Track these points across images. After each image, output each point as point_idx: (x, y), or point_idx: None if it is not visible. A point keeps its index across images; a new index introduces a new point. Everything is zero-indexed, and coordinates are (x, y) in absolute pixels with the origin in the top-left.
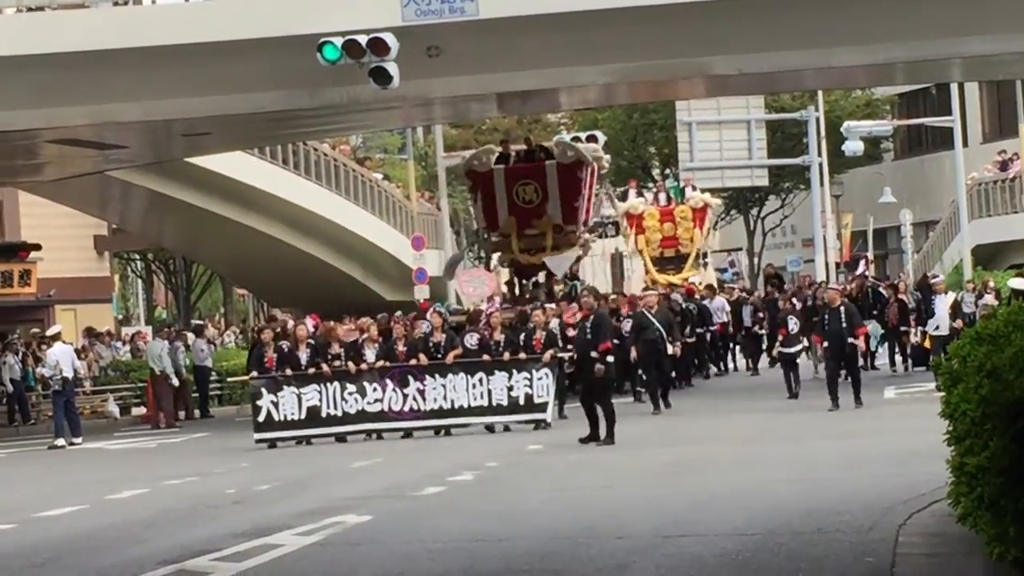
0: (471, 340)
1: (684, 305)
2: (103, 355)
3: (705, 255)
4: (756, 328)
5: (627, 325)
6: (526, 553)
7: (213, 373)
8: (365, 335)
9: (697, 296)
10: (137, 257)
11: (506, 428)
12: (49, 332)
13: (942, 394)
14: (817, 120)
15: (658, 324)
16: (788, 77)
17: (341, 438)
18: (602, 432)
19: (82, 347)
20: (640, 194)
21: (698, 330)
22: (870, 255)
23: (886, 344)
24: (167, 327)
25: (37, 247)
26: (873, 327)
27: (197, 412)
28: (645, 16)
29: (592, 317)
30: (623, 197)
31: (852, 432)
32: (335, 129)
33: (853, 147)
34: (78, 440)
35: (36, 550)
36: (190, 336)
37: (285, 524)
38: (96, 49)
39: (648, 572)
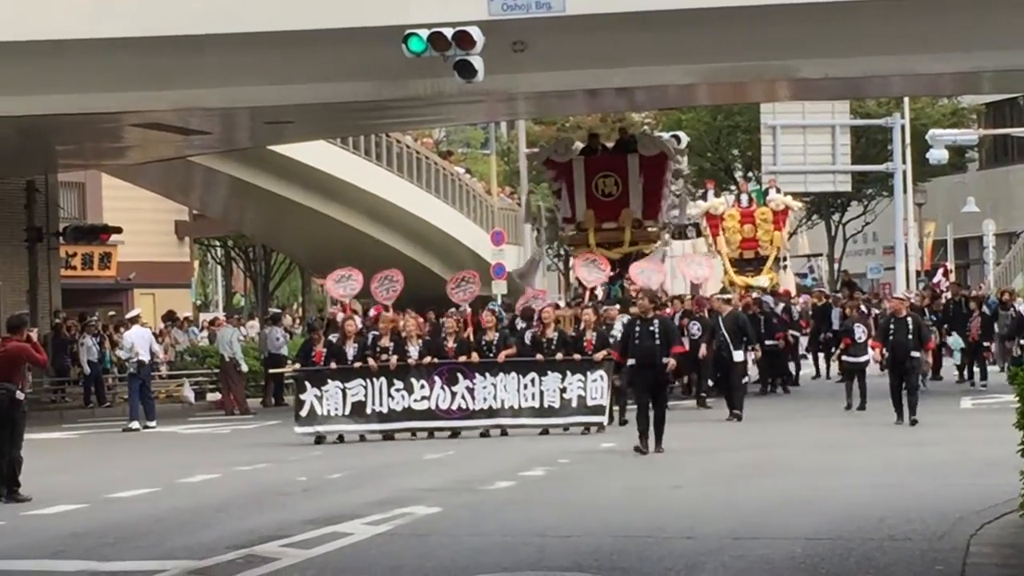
0: (527, 336)
1: (773, 307)
2: (179, 340)
3: (785, 258)
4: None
5: (694, 327)
6: (595, 550)
7: (288, 362)
8: (406, 331)
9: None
10: (217, 243)
11: (564, 429)
12: (128, 315)
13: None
14: (902, 127)
15: (724, 331)
16: (874, 83)
17: (388, 436)
18: (652, 439)
19: (159, 331)
20: (718, 195)
21: (792, 333)
22: (950, 264)
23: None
24: (236, 314)
25: (118, 230)
26: (954, 339)
27: (272, 400)
28: (732, 17)
29: (659, 322)
30: (703, 197)
31: (927, 441)
32: (418, 122)
33: (938, 155)
34: (152, 424)
35: (107, 530)
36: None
37: (355, 513)
38: (182, 34)
39: (716, 573)
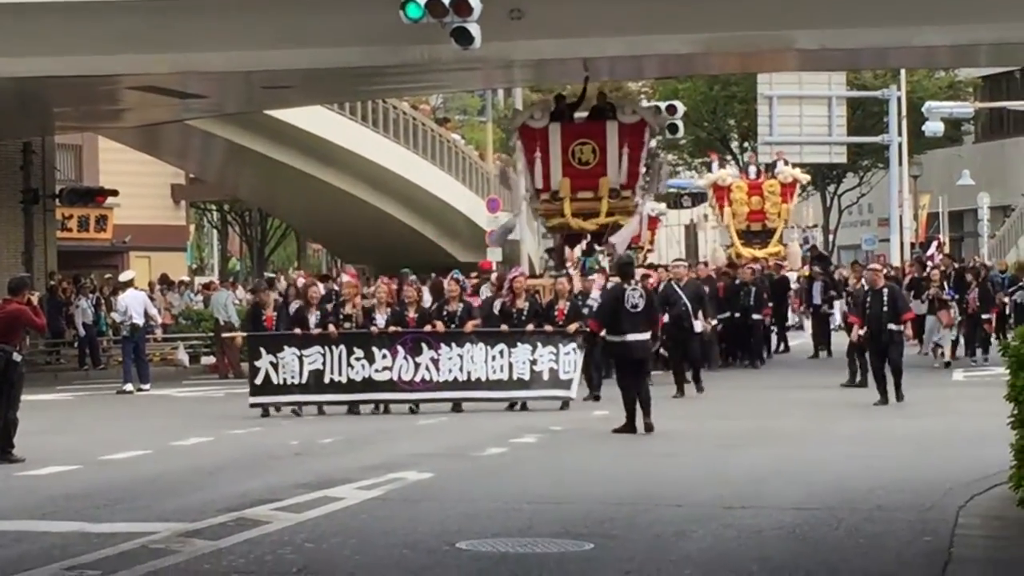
0: (495, 306)
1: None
2: (174, 303)
3: (779, 230)
4: (826, 307)
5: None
6: (585, 517)
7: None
8: (376, 298)
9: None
10: (213, 207)
11: (523, 406)
12: (121, 278)
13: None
14: (899, 99)
15: (686, 299)
16: (871, 54)
17: (351, 408)
18: (641, 419)
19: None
20: (722, 166)
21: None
22: (943, 237)
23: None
24: (232, 278)
25: (114, 193)
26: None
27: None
28: None
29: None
30: (707, 168)
31: (917, 413)
32: (415, 88)
33: (933, 128)
34: (146, 387)
35: (99, 492)
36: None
37: (346, 478)
38: None
39: (705, 541)
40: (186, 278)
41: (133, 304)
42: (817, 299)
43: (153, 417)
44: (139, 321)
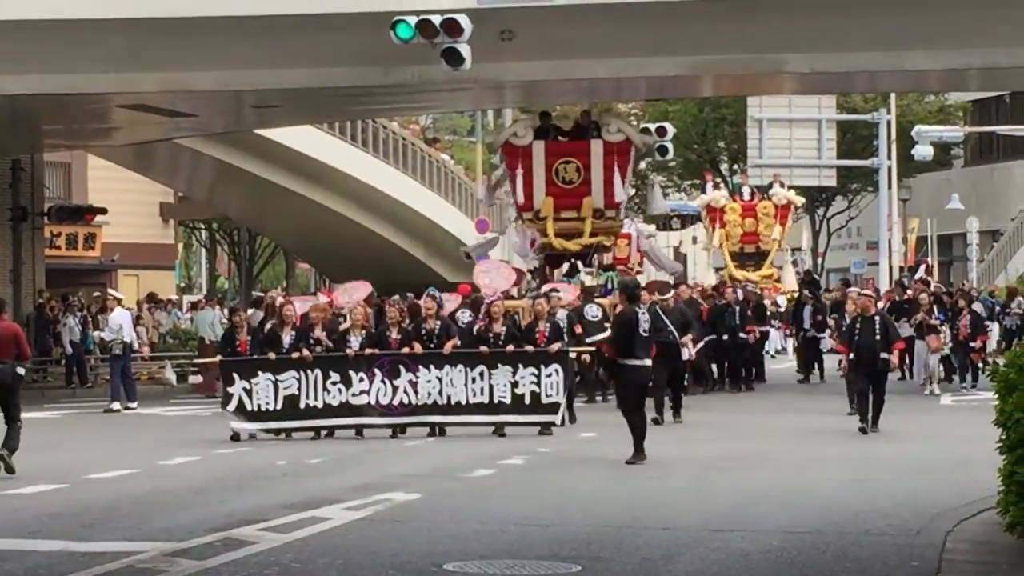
0: (473, 331)
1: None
2: (162, 322)
3: (768, 253)
4: (815, 331)
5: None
6: (572, 539)
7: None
8: (348, 321)
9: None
10: (202, 226)
11: (502, 432)
12: (113, 294)
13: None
14: (888, 123)
15: (671, 326)
16: (861, 78)
17: (329, 433)
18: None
19: (138, 315)
20: (716, 187)
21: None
22: (931, 260)
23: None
24: (218, 297)
25: (103, 211)
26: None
27: None
28: (719, 10)
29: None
30: (701, 190)
31: (906, 436)
32: (405, 108)
33: (923, 152)
34: (133, 405)
35: (86, 511)
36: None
37: (334, 498)
38: (172, 17)
39: (693, 565)
40: (174, 297)
41: (125, 322)
42: (807, 323)
43: (140, 436)
44: (129, 339)
